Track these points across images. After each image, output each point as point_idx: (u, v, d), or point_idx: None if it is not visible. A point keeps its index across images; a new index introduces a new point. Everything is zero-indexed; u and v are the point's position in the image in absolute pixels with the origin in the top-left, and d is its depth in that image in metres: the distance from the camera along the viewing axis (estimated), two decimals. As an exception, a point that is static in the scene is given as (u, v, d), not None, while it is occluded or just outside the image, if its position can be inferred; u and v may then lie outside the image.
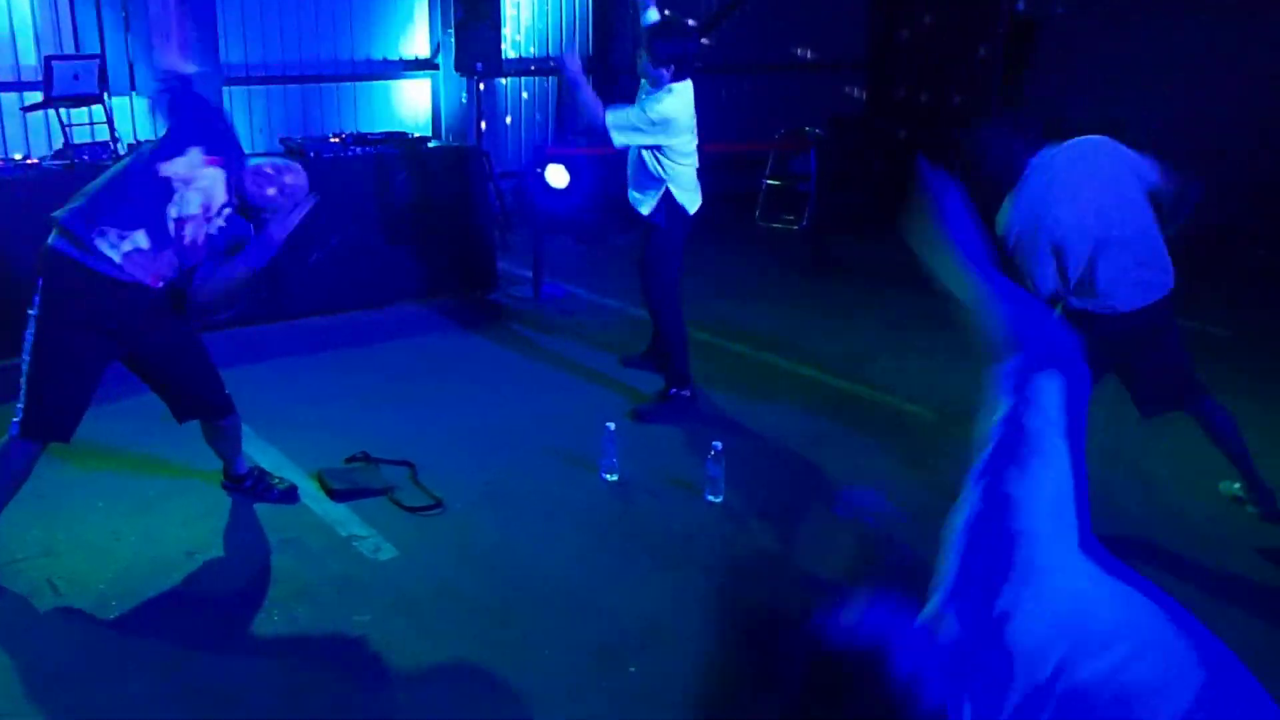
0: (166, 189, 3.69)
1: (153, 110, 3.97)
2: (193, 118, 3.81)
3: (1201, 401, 4.23)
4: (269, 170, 3.87)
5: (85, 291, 3.66)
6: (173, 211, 3.70)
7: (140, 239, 3.65)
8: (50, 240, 3.69)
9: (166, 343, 3.93)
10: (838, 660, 1.55)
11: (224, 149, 3.82)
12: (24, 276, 3.90)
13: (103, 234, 3.61)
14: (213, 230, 3.81)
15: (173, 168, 3.70)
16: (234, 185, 3.82)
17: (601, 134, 5.02)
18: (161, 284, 3.77)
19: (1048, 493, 1.72)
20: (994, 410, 1.87)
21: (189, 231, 3.74)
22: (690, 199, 5.21)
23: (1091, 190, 3.87)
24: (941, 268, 2.11)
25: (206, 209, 3.77)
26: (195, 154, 3.74)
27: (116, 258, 3.62)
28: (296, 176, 3.93)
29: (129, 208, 3.66)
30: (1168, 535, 4.24)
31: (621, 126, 4.96)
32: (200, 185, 3.74)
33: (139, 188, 3.69)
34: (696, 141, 5.22)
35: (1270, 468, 4.43)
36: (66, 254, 3.64)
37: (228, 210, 3.84)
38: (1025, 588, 1.56)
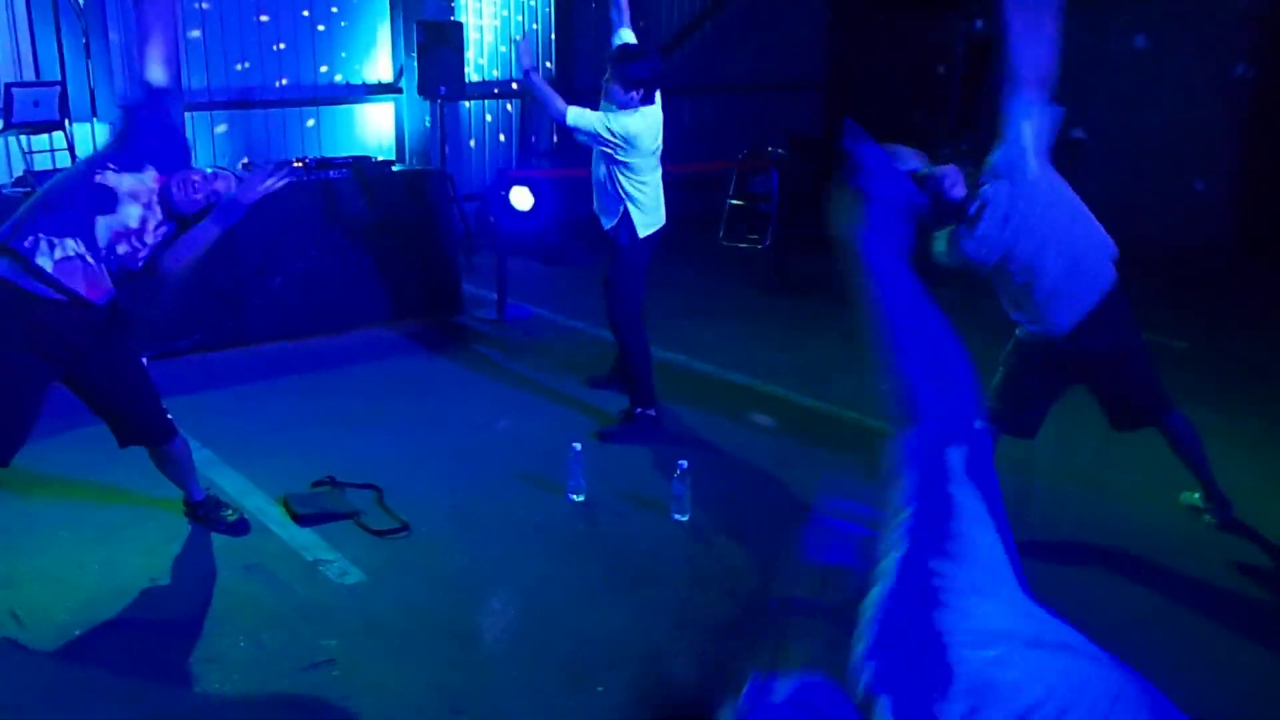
0: (107, 201, 3.70)
1: (120, 119, 3.96)
2: (157, 138, 3.83)
3: (1169, 415, 4.30)
4: (197, 179, 3.87)
5: (21, 313, 3.64)
6: (108, 222, 3.70)
7: (70, 246, 3.64)
8: None
9: (107, 364, 3.90)
10: None
11: (176, 170, 3.84)
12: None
13: (35, 243, 3.61)
14: (146, 243, 3.81)
15: (121, 181, 3.73)
16: (164, 198, 3.83)
17: (559, 123, 5.14)
18: (98, 299, 3.74)
19: (981, 555, 1.68)
20: (899, 481, 1.79)
21: (122, 246, 3.75)
22: (648, 221, 5.25)
23: (1066, 225, 3.97)
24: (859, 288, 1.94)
25: (144, 224, 3.78)
26: (150, 173, 3.79)
27: (49, 266, 3.61)
28: (226, 182, 3.94)
29: (60, 216, 3.67)
30: (1128, 543, 4.32)
31: (580, 124, 5.05)
32: (143, 201, 3.77)
33: (75, 195, 3.70)
34: (660, 169, 5.28)
35: (1231, 474, 4.53)
36: (2, 277, 3.63)
37: (163, 229, 3.84)
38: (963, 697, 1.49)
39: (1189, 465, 4.39)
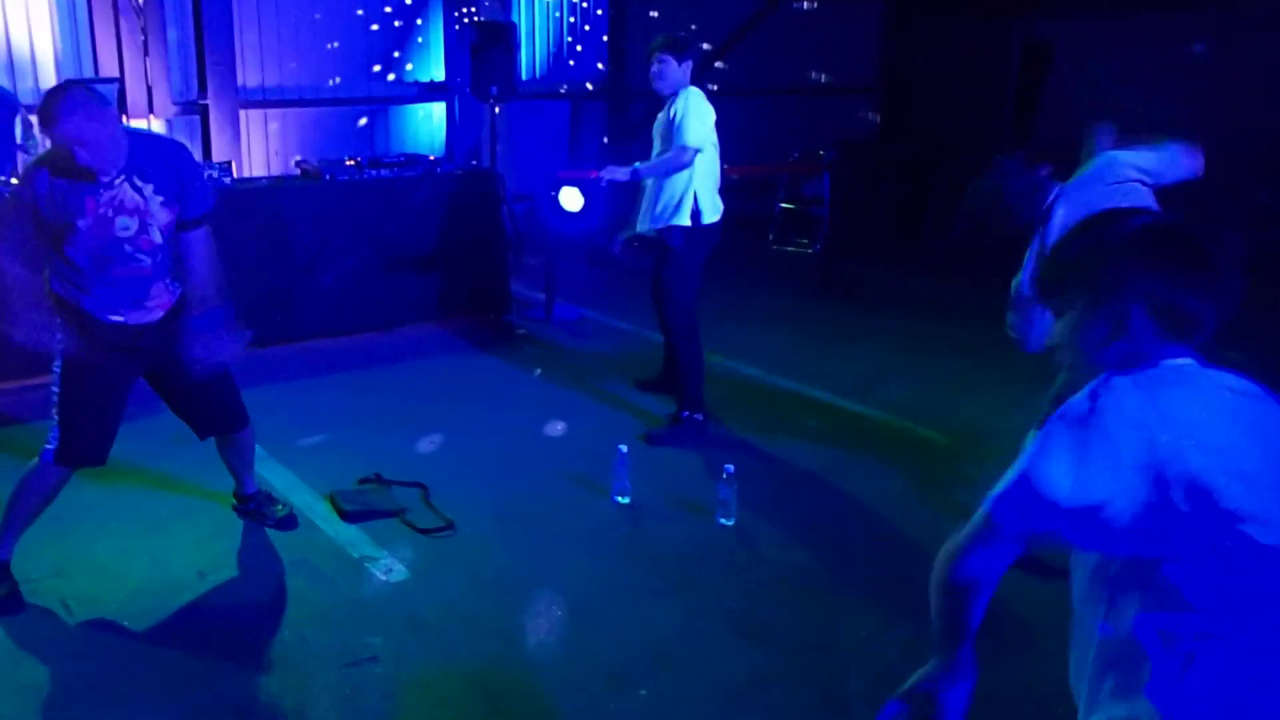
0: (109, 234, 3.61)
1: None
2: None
3: None
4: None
5: (101, 329, 3.71)
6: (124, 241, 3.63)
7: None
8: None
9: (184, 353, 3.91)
10: None
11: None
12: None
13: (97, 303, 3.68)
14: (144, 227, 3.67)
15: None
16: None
17: (686, 162, 5.08)
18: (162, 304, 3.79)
19: None
20: None
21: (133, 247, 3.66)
22: (711, 208, 5.23)
23: None
24: None
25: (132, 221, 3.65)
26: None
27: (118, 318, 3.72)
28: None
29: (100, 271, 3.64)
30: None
31: (686, 147, 5.03)
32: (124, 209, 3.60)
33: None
34: (718, 152, 5.28)
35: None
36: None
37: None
38: None
39: None
